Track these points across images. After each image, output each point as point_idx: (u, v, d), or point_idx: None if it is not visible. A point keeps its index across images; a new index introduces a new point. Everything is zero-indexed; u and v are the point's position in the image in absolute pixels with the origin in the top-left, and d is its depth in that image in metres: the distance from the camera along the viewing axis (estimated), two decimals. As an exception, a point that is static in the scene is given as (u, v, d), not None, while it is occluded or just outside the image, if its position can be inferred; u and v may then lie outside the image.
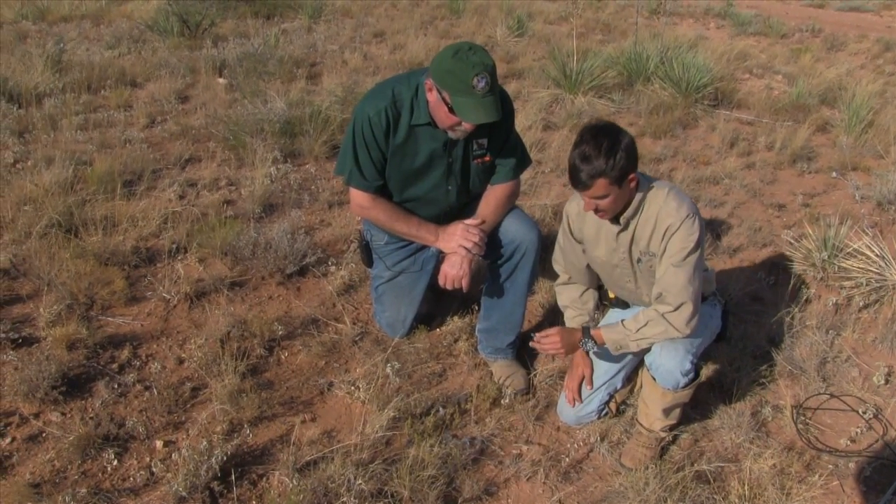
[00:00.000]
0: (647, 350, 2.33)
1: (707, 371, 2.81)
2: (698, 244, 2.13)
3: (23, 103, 4.89)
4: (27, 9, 8.07)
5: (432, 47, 7.25)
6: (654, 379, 2.29)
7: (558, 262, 2.56)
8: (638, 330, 2.19)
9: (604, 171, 2.01)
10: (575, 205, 2.37)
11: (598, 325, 2.37)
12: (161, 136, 4.69)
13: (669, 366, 2.22)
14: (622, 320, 2.25)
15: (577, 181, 2.06)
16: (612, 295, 2.54)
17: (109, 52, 6.58)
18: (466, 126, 2.25)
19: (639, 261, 2.25)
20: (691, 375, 2.27)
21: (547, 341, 2.32)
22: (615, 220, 2.21)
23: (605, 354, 2.47)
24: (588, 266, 2.44)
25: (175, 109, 5.18)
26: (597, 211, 2.14)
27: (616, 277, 2.38)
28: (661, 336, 2.17)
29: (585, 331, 2.32)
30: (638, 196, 2.17)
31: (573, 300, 2.55)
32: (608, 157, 2.01)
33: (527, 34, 8.64)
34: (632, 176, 2.09)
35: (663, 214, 2.14)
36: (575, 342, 2.32)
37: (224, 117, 4.81)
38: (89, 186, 3.74)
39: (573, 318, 2.55)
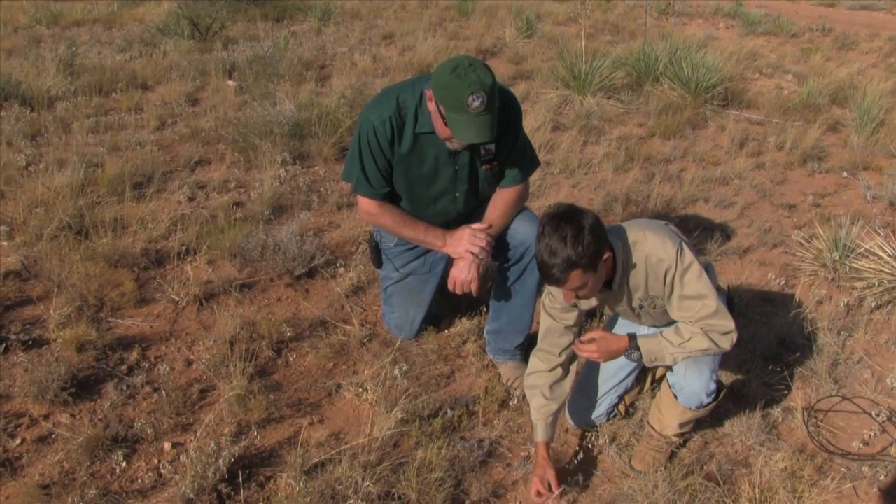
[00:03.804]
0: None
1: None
2: (699, 268, 2.05)
3: (35, 106, 4.94)
4: (41, 13, 8.15)
5: (441, 49, 7.25)
6: (676, 397, 2.25)
7: (541, 350, 2.30)
8: (681, 344, 2.09)
9: (575, 262, 1.87)
10: None
11: (638, 335, 2.22)
12: (171, 138, 4.72)
13: (695, 387, 2.18)
14: (661, 332, 2.15)
15: (551, 278, 1.92)
16: None
17: (121, 55, 6.63)
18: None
19: (641, 307, 2.19)
20: (714, 394, 2.24)
21: (586, 349, 2.20)
22: (607, 286, 2.10)
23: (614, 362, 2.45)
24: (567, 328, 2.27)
25: (185, 112, 5.21)
26: (578, 297, 2.06)
27: (620, 315, 2.37)
28: (703, 352, 2.10)
29: (633, 339, 2.15)
30: (620, 262, 2.06)
31: (544, 388, 2.30)
32: (575, 246, 1.85)
33: (535, 35, 8.64)
34: (606, 255, 1.96)
35: (653, 258, 2.04)
36: (618, 350, 2.17)
37: (234, 119, 4.83)
38: (100, 189, 3.77)
39: (541, 408, 2.28)
